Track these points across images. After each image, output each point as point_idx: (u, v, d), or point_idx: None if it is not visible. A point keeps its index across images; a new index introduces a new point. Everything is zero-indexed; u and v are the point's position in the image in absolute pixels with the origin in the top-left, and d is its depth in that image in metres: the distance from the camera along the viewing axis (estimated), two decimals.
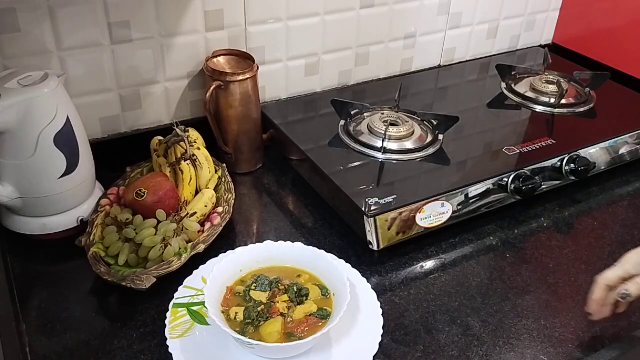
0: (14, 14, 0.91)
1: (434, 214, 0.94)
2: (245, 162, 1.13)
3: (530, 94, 1.29)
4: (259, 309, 0.74)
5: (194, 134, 1.02)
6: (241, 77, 1.05)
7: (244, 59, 1.11)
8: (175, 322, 0.76)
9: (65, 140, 0.88)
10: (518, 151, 1.07)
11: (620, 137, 1.14)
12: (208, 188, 0.98)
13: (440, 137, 1.10)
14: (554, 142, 1.11)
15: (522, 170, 1.02)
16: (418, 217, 0.92)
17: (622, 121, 1.20)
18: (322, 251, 0.82)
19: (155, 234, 0.86)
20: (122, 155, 1.05)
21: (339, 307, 0.73)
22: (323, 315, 0.74)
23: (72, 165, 0.89)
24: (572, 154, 1.07)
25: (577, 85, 1.33)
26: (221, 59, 1.11)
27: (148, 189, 0.90)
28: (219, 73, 1.05)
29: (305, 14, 1.18)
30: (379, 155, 1.05)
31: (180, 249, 0.85)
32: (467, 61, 1.48)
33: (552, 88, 1.29)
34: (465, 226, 0.98)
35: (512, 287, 0.88)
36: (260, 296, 0.76)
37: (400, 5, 1.29)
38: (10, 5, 0.90)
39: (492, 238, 0.98)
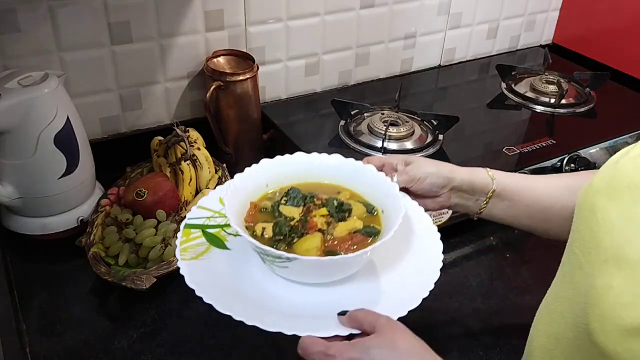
0: (14, 14, 0.91)
1: (434, 214, 0.94)
2: (245, 162, 1.12)
3: (530, 94, 1.29)
4: (292, 223, 0.63)
5: (194, 134, 1.02)
6: (241, 77, 1.04)
7: (244, 59, 1.11)
8: (188, 244, 0.64)
9: (65, 140, 0.88)
10: (518, 151, 1.07)
11: (620, 137, 1.14)
12: (208, 188, 0.98)
13: (440, 137, 1.10)
14: (554, 142, 1.11)
15: (522, 170, 1.02)
16: None
17: (622, 121, 1.20)
18: (368, 164, 0.69)
19: (155, 234, 0.86)
20: (122, 155, 1.05)
21: (391, 223, 0.60)
22: (371, 233, 0.62)
23: (72, 165, 0.89)
24: (572, 154, 1.07)
25: (577, 85, 1.33)
26: (221, 59, 1.11)
27: (148, 189, 0.90)
28: (219, 73, 1.05)
29: (305, 14, 1.18)
30: (379, 155, 1.05)
31: None
32: (467, 61, 1.48)
33: (552, 88, 1.29)
34: (465, 226, 0.98)
35: (512, 287, 0.88)
36: (292, 212, 0.64)
37: (400, 5, 1.29)
38: (10, 6, 0.90)
39: (492, 238, 0.98)
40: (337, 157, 0.70)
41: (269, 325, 0.54)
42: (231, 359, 0.75)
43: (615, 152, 1.17)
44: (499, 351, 0.77)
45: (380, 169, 0.71)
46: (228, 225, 0.65)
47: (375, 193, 0.67)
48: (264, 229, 0.62)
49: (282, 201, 0.66)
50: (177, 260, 0.61)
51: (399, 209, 0.61)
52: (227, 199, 0.61)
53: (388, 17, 1.29)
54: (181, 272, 0.59)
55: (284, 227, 0.61)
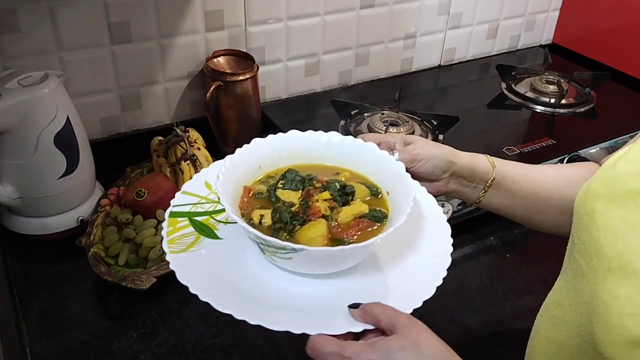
0: (14, 14, 0.91)
1: None
2: None
3: (530, 94, 1.29)
4: (293, 209, 0.57)
5: (194, 134, 1.02)
6: (241, 77, 1.05)
7: (244, 59, 1.11)
8: (175, 234, 0.58)
9: (65, 140, 0.88)
10: (518, 151, 1.07)
11: (620, 137, 1.14)
12: None
13: (441, 137, 1.10)
14: (554, 142, 1.11)
15: None
16: None
17: (622, 121, 1.20)
18: (369, 142, 0.64)
19: (155, 234, 0.86)
20: (122, 155, 1.05)
21: (400, 205, 0.55)
22: (378, 217, 0.57)
23: (72, 165, 0.89)
24: (572, 154, 1.07)
25: (577, 85, 1.33)
26: (221, 59, 1.11)
27: (148, 189, 0.90)
28: (219, 73, 1.05)
29: (305, 14, 1.18)
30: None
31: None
32: (467, 61, 1.48)
33: (552, 88, 1.29)
34: (465, 226, 0.98)
35: (512, 287, 0.88)
36: (291, 196, 0.59)
37: (400, 5, 1.29)
38: (10, 5, 0.90)
39: (492, 238, 0.98)
40: (335, 135, 0.64)
41: (275, 324, 0.50)
42: (231, 359, 0.75)
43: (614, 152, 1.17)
44: (499, 351, 0.77)
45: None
46: (217, 212, 0.61)
47: (379, 173, 0.62)
48: (261, 216, 0.56)
49: (279, 185, 0.60)
50: (165, 253, 0.55)
51: (409, 190, 0.56)
52: (220, 184, 0.55)
53: (388, 17, 1.29)
54: (170, 266, 0.54)
55: (284, 213, 0.56)
